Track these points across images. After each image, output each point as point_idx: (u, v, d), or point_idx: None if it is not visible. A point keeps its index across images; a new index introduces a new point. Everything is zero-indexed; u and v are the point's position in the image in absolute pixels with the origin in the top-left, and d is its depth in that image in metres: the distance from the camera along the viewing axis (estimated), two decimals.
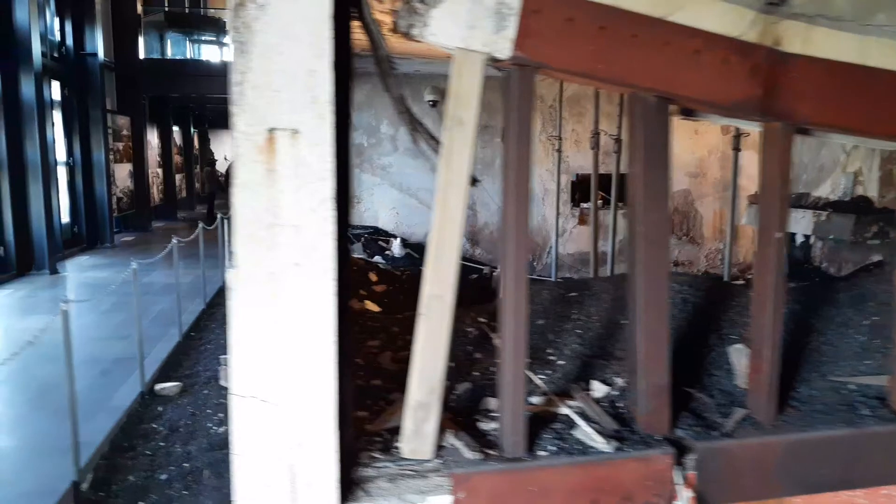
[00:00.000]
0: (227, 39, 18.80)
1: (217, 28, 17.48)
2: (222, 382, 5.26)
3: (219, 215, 10.15)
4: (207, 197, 17.87)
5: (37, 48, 9.73)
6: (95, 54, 12.78)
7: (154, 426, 4.55)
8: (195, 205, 23.27)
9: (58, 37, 12.18)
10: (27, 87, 9.66)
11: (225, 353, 6.07)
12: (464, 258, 8.14)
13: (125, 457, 4.14)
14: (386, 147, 9.00)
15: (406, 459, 2.15)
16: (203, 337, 6.77)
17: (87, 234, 12.94)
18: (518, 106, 2.03)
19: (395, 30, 2.12)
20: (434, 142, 2.23)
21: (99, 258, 11.99)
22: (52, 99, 11.31)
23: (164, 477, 3.88)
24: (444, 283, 2.07)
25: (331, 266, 1.93)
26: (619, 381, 2.51)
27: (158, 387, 5.24)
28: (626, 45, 2.05)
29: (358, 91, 8.36)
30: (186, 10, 18.29)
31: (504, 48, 2.00)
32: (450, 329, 2.10)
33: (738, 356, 2.57)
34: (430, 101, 8.90)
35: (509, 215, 2.07)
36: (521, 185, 2.06)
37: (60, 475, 3.85)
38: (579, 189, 9.75)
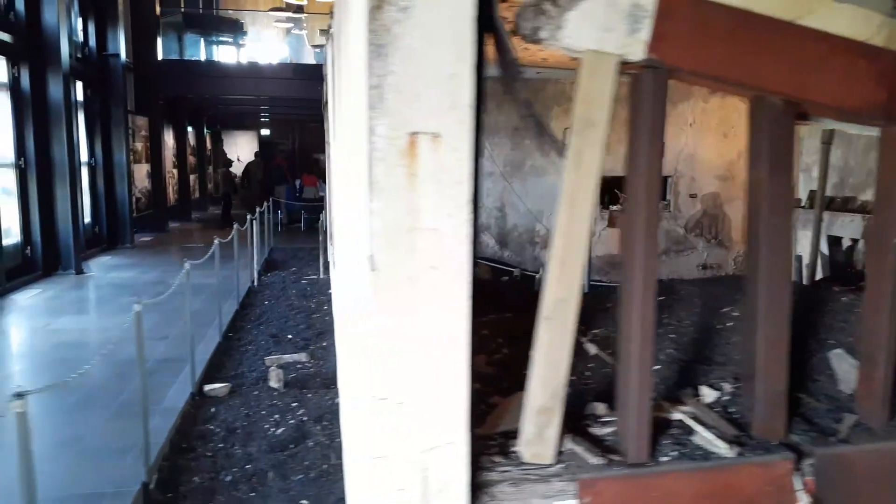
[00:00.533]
0: (244, 40, 18.83)
1: (234, 29, 17.50)
2: (272, 384, 5.25)
3: (236, 223, 10.12)
4: (222, 198, 17.84)
5: (65, 49, 9.73)
6: (118, 55, 12.79)
7: (210, 427, 4.54)
8: (208, 205, 23.28)
9: (81, 37, 12.18)
10: (55, 88, 9.66)
11: (267, 355, 6.08)
12: (493, 260, 8.09)
13: (186, 458, 4.12)
14: None
15: (528, 464, 2.14)
16: (242, 338, 6.76)
17: (107, 235, 12.95)
18: (651, 109, 2.02)
19: (515, 32, 2.11)
20: (557, 144, 2.22)
21: (121, 258, 11.98)
22: (76, 99, 11.31)
23: (228, 479, 3.86)
24: (569, 287, 2.05)
25: (466, 269, 1.92)
26: (727, 387, 2.50)
27: (207, 388, 5.23)
28: (756, 49, 2.04)
29: None
30: (200, 11, 18.32)
31: (637, 50, 1.99)
32: (574, 333, 2.09)
33: (840, 361, 2.56)
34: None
35: (638, 219, 2.06)
36: (652, 191, 2.05)
37: (124, 476, 3.85)
38: (608, 191, 9.74)
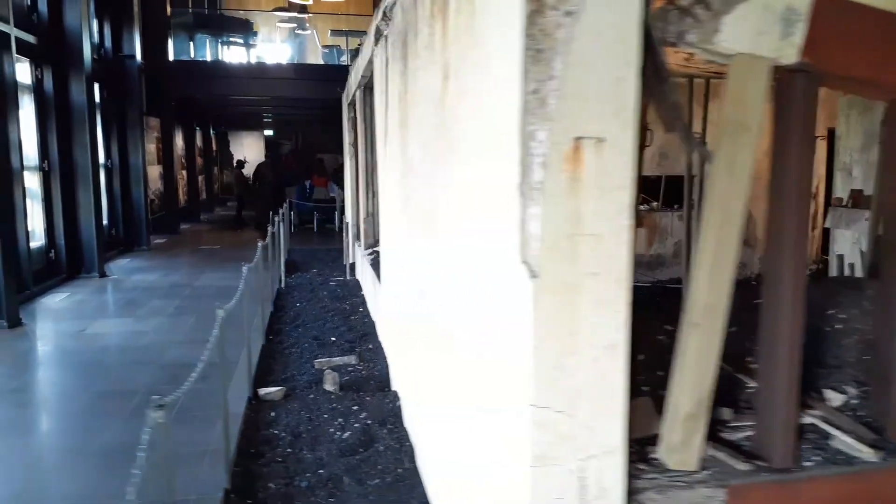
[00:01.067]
0: (254, 41, 18.76)
1: (244, 29, 17.41)
2: (327, 387, 5.22)
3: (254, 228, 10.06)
4: (236, 199, 17.78)
5: (87, 51, 9.67)
6: (134, 56, 12.72)
7: (274, 432, 4.50)
8: (214, 207, 23.21)
9: (97, 38, 12.10)
10: (77, 91, 9.61)
11: (312, 357, 6.04)
12: None
13: (257, 463, 4.09)
14: None
15: (673, 471, 2.12)
16: (283, 340, 6.72)
17: (124, 237, 12.88)
18: (803, 114, 2.00)
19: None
20: (704, 149, 2.20)
21: (140, 261, 11.92)
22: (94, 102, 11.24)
23: (304, 484, 3.83)
24: (719, 293, 2.04)
25: (626, 275, 1.90)
26: (852, 390, 2.50)
27: (263, 391, 5.19)
28: None
29: None
30: (205, 11, 18.24)
31: (790, 54, 1.97)
32: (722, 339, 2.08)
33: None
34: None
35: (789, 225, 2.04)
36: (803, 196, 2.03)
37: (203, 483, 3.83)
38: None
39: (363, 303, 7.87)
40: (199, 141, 20.81)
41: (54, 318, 7.51)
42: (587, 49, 1.82)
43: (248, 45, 18.65)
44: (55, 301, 8.40)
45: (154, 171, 15.22)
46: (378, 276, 6.51)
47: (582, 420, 1.91)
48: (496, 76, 2.16)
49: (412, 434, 4.22)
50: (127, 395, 4.98)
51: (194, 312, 7.74)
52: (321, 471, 3.98)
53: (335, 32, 18.06)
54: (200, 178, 20.86)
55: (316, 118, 21.19)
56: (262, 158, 23.19)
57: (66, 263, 9.66)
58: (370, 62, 6.30)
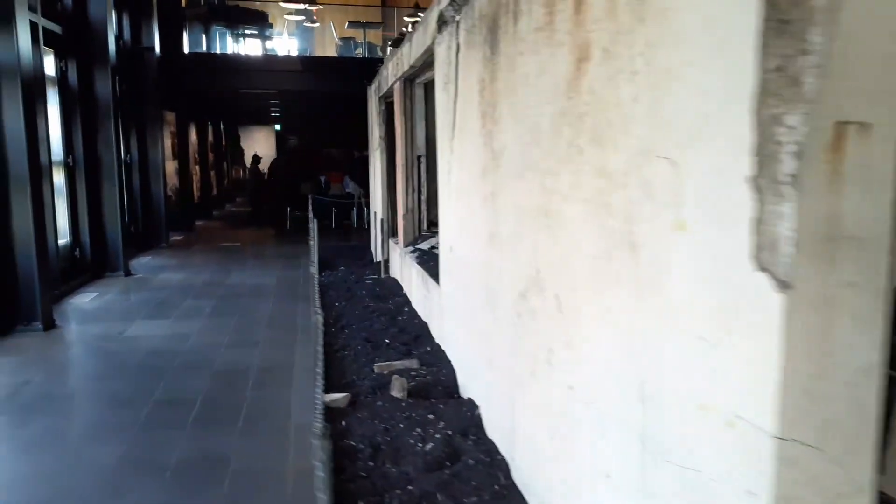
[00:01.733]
0: (270, 33, 18.42)
1: (261, 21, 17.06)
2: (395, 393, 4.95)
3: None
4: (251, 195, 17.48)
5: (112, 43, 9.36)
6: (153, 48, 12.40)
7: (351, 443, 4.22)
8: (225, 203, 22.91)
9: (116, 30, 11.78)
10: (102, 84, 9.31)
11: (368, 361, 5.77)
12: None
13: (341, 479, 3.81)
14: None
15: None
16: (332, 342, 6.43)
17: (144, 235, 12.59)
18: None
19: None
20: None
21: (162, 259, 11.63)
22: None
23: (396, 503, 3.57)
24: None
25: (885, 286, 1.62)
26: None
27: (328, 398, 4.91)
28: None
29: None
30: (222, 2, 17.89)
31: None
32: None
33: None
34: None
35: None
36: None
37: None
38: None
39: (407, 303, 7.58)
40: (210, 136, 20.49)
41: (88, 319, 7.22)
42: (853, 20, 1.54)
43: (263, 37, 18.30)
44: (85, 301, 8.11)
45: (170, 167, 14.90)
46: (433, 276, 6.24)
47: (833, 454, 1.64)
48: (693, 54, 1.88)
49: (502, 447, 3.94)
50: (186, 404, 4.69)
51: (234, 313, 7.46)
52: (410, 487, 3.71)
53: (353, 24, 17.74)
54: (212, 173, 20.54)
55: (329, 112, 20.86)
56: (273, 153, 22.90)
57: (92, 261, 9.36)
58: (427, 52, 6.00)
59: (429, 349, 5.91)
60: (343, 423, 4.61)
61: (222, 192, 22.70)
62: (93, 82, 9.18)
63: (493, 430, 4.12)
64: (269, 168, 19.15)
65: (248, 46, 17.84)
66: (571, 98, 2.80)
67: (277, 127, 25.76)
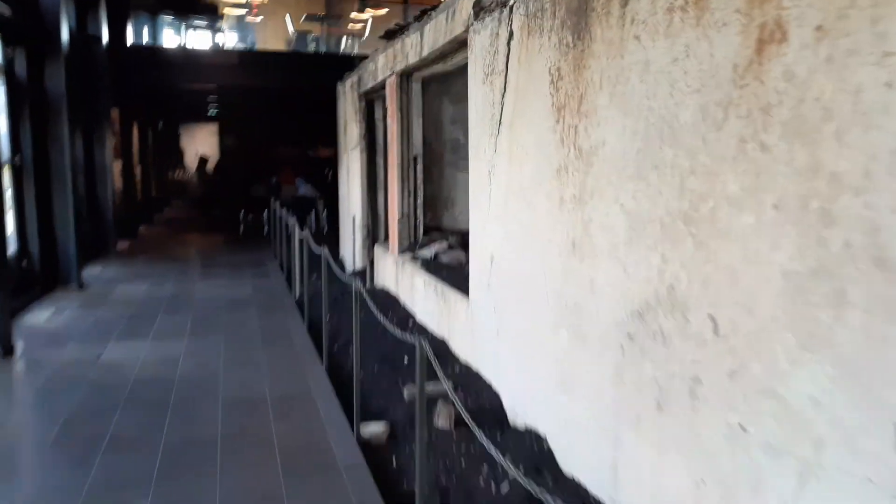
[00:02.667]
0: (219, 24, 17.40)
1: (211, 13, 16.02)
2: (440, 424, 4.41)
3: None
4: (199, 198, 16.46)
5: (65, 32, 8.41)
6: (100, 39, 11.36)
7: (413, 489, 3.67)
8: (163, 207, 21.60)
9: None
10: (53, 76, 8.36)
11: (389, 383, 5.21)
12: None
13: None
14: None
15: None
16: (342, 363, 5.83)
17: (91, 242, 11.49)
18: None
19: None
20: None
21: (114, 268, 10.64)
22: None
23: None
24: None
25: None
26: None
27: (365, 430, 4.34)
28: None
29: (455, 82, 7.40)
30: None
31: None
32: None
33: None
34: None
35: None
36: None
37: None
38: None
39: (409, 316, 7.02)
40: (150, 134, 19.24)
41: (53, 342, 6.33)
42: None
43: (213, 30, 17.25)
44: (42, 319, 7.19)
45: (115, 169, 13.77)
46: (456, 288, 5.72)
47: None
48: None
49: (595, 488, 3.48)
50: (206, 446, 4.01)
51: (219, 330, 6.73)
52: None
53: (310, 18, 16.94)
54: (153, 175, 19.29)
55: (278, 109, 19.93)
56: (217, 153, 21.77)
57: (42, 273, 8.38)
58: (453, 42, 5.50)
59: (456, 370, 5.38)
60: (394, 461, 4.05)
61: (162, 194, 21.39)
62: (43, 74, 8.21)
63: (578, 467, 3.64)
64: (216, 169, 18.12)
65: (198, 39, 16.77)
66: (745, 86, 2.36)
67: (218, 124, 24.53)
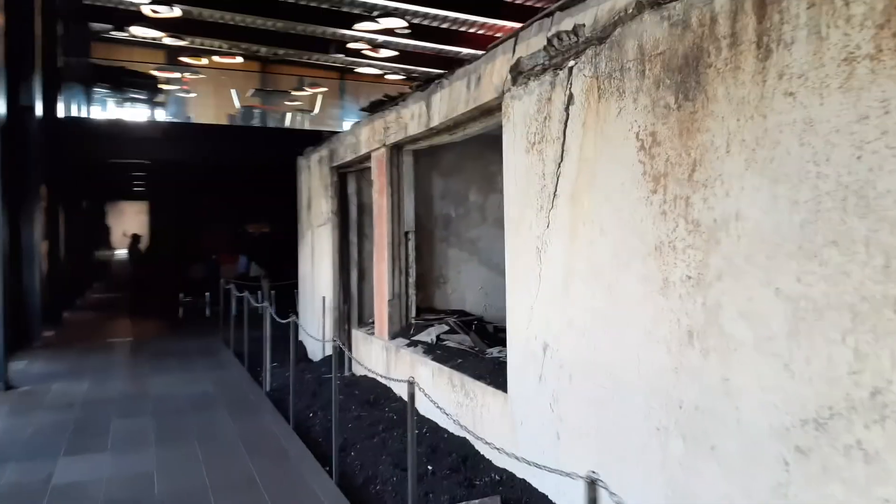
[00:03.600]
0: (158, 98, 16.57)
1: (150, 86, 15.18)
2: None
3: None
4: (131, 280, 15.16)
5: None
6: (33, 108, 10.37)
7: None
8: (85, 290, 19.89)
9: None
10: None
11: (424, 500, 4.42)
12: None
13: None
14: (474, 217, 7.72)
15: None
16: (348, 471, 4.98)
17: (12, 333, 10.12)
18: None
19: None
20: None
21: (43, 363, 9.34)
22: None
23: None
24: None
25: None
26: None
27: None
28: None
29: (445, 155, 7.02)
30: (105, 63, 15.84)
31: None
32: None
33: None
34: None
35: None
36: None
37: None
38: None
39: (403, 407, 6.22)
40: (74, 212, 17.83)
41: None
42: None
43: (152, 104, 16.36)
44: None
45: (41, 250, 12.46)
46: (483, 380, 5.05)
47: None
48: None
49: None
50: None
51: (190, 437, 5.74)
52: None
53: (259, 92, 16.36)
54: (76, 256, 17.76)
55: (216, 185, 18.98)
56: (146, 232, 20.47)
57: None
58: (479, 110, 5.03)
59: (496, 477, 4.65)
60: None
61: (85, 276, 19.75)
62: None
63: None
64: (150, 248, 16.91)
65: (135, 114, 15.84)
66: None
67: (145, 202, 23.21)
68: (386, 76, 23.82)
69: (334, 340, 5.13)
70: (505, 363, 5.25)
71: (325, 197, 9.27)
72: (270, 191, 18.93)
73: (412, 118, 6.18)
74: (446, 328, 6.62)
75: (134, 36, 20.74)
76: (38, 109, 10.54)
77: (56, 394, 7.43)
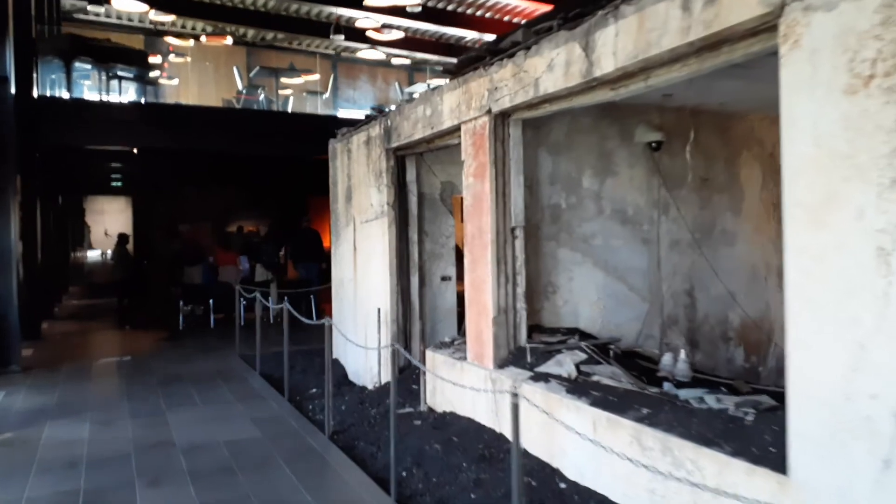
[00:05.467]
0: (152, 75, 14.62)
1: (137, 60, 13.24)
2: None
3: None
4: (119, 286, 13.26)
5: None
6: (7, 79, 8.48)
7: None
8: (62, 296, 17.83)
9: None
10: None
11: None
12: (648, 357, 5.09)
13: None
14: (588, 208, 6.07)
15: None
16: None
17: None
18: None
19: None
20: None
21: (24, 395, 7.52)
22: None
23: None
24: None
25: None
26: None
27: None
28: None
29: (554, 127, 5.39)
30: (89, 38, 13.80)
31: None
32: None
33: None
34: (649, 142, 6.17)
35: None
36: None
37: None
38: None
39: (542, 467, 4.57)
40: (51, 208, 15.81)
41: None
42: None
43: (143, 82, 14.36)
44: None
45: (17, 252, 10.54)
46: (720, 447, 3.41)
47: None
48: None
49: None
50: None
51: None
52: None
53: (264, 70, 14.49)
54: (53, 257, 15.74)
55: (215, 175, 17.05)
56: (131, 230, 18.45)
57: None
58: (721, 37, 3.37)
59: None
60: None
61: (62, 281, 17.73)
62: None
63: None
64: (139, 249, 14.98)
65: (122, 94, 13.85)
66: None
67: (129, 197, 21.10)
68: (390, 60, 22.09)
69: (406, 362, 3.45)
70: (737, 419, 3.63)
71: (375, 186, 7.55)
72: (279, 182, 17.08)
73: (550, 69, 4.50)
74: (583, 356, 4.97)
75: (110, 16, 18.79)
76: (12, 79, 8.62)
77: (49, 444, 5.64)
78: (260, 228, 17.23)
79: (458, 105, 5.76)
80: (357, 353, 8.04)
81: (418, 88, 18.71)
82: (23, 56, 10.54)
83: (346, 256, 8.61)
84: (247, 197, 17.17)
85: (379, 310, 7.37)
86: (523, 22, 4.35)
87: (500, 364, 5.34)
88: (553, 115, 5.41)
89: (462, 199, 8.33)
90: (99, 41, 13.39)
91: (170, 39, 18.31)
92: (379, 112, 8.01)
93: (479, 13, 21.59)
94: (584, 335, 5.83)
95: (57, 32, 12.98)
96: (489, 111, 5.28)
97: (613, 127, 6.14)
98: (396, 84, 21.77)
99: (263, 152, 13.41)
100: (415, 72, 24.56)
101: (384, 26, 19.27)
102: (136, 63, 13.67)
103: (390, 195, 7.26)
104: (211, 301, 12.69)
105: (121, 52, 13.59)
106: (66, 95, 13.17)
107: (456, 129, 5.88)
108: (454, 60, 6.18)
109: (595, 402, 4.27)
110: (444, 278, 7.75)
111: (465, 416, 5.72)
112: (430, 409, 6.25)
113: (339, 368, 8.57)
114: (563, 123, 5.94)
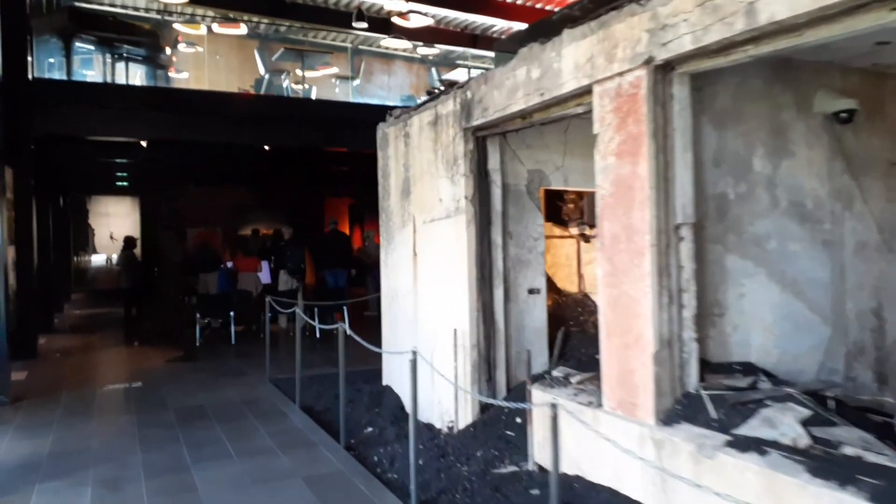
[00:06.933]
0: (165, 57, 13.10)
1: (149, 42, 11.78)
2: None
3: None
4: (127, 294, 11.78)
5: None
6: None
7: None
8: (63, 305, 16.37)
9: None
10: None
11: None
12: (866, 408, 3.53)
13: None
14: (761, 200, 4.51)
15: None
16: None
17: None
18: None
19: None
20: None
21: (8, 441, 6.01)
22: None
23: None
24: None
25: None
26: None
27: None
28: None
29: (719, 90, 3.90)
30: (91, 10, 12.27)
31: None
32: None
33: None
34: (835, 112, 4.62)
35: None
36: None
37: None
38: None
39: None
40: (51, 208, 14.34)
41: None
42: None
43: (155, 64, 12.86)
44: None
45: (8, 257, 9.05)
46: None
47: None
48: None
49: None
50: None
51: None
52: None
53: (289, 52, 12.97)
54: (51, 263, 14.27)
55: (230, 172, 15.54)
56: (139, 233, 16.99)
57: None
58: None
59: None
60: None
61: (63, 288, 16.27)
62: None
63: None
64: (147, 254, 13.46)
65: (132, 79, 12.34)
66: None
67: (131, 196, 19.58)
68: (408, 51, 20.52)
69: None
70: None
71: (447, 176, 6.02)
72: (307, 179, 15.47)
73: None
74: (805, 412, 3.42)
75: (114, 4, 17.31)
76: None
77: None
78: (284, 231, 15.72)
79: (589, 59, 4.22)
80: (421, 383, 6.49)
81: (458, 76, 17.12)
82: (13, 32, 9.07)
83: (401, 263, 7.07)
84: (262, 198, 15.68)
85: (455, 331, 5.84)
86: None
87: (665, 418, 3.80)
88: (721, 71, 3.92)
89: (549, 192, 6.85)
90: (102, 17, 11.87)
91: (178, 27, 16.83)
92: (448, 85, 6.49)
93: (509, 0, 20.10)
94: (758, 370, 4.29)
95: (57, 6, 11.52)
96: (648, 60, 3.75)
97: (787, 93, 4.59)
98: (433, 70, 20.16)
99: (288, 142, 11.92)
100: (437, 66, 23.00)
101: (410, 12, 17.79)
102: (145, 42, 12.19)
103: (468, 187, 5.73)
104: (231, 313, 11.16)
105: (126, 29, 12.08)
106: (75, 78, 11.68)
107: (583, 93, 4.35)
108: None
109: (876, 497, 2.73)
110: (531, 291, 6.20)
111: (602, 484, 4.17)
112: (540, 468, 4.70)
113: (391, 397, 7.06)
114: (731, 85, 4.40)
